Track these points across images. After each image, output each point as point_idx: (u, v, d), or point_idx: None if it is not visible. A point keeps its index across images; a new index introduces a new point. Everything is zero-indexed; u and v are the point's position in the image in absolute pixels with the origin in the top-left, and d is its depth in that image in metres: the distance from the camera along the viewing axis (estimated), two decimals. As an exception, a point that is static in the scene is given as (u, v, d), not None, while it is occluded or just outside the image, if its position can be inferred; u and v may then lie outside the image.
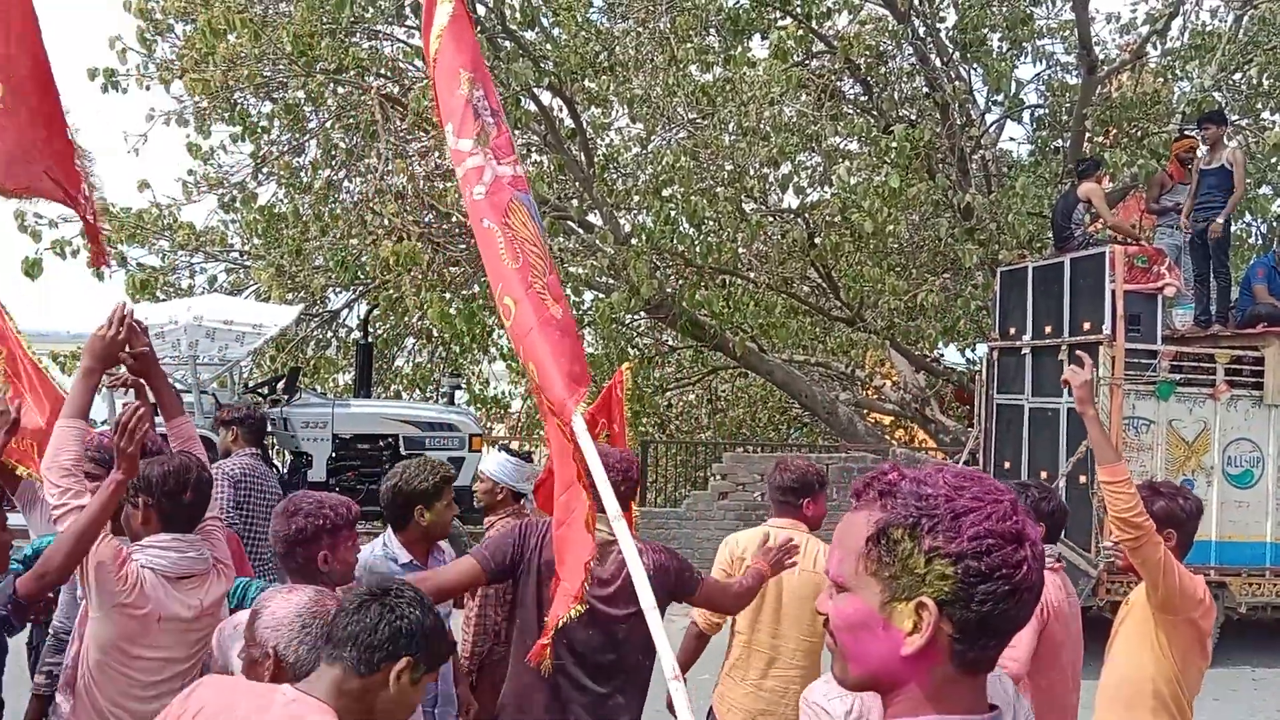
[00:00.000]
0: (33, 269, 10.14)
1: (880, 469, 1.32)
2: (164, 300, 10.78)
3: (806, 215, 12.47)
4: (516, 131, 11.14)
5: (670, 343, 15.14)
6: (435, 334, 12.04)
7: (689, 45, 10.81)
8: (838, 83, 12.11)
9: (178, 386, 9.76)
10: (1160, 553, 3.17)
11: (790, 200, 12.62)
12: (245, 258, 11.78)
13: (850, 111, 12.47)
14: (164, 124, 10.75)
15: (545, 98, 11.06)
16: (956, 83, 11.81)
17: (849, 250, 13.02)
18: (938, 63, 11.87)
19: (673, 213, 10.24)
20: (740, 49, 11.14)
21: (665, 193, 10.50)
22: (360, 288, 11.41)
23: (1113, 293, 8.27)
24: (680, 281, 12.11)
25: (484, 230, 3.24)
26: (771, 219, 12.49)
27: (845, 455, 11.42)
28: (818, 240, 12.73)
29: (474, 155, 3.30)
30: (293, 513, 2.87)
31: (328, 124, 10.98)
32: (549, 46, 10.90)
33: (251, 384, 10.89)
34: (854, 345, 15.57)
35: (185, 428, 3.32)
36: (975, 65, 12.02)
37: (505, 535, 3.25)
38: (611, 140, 13.00)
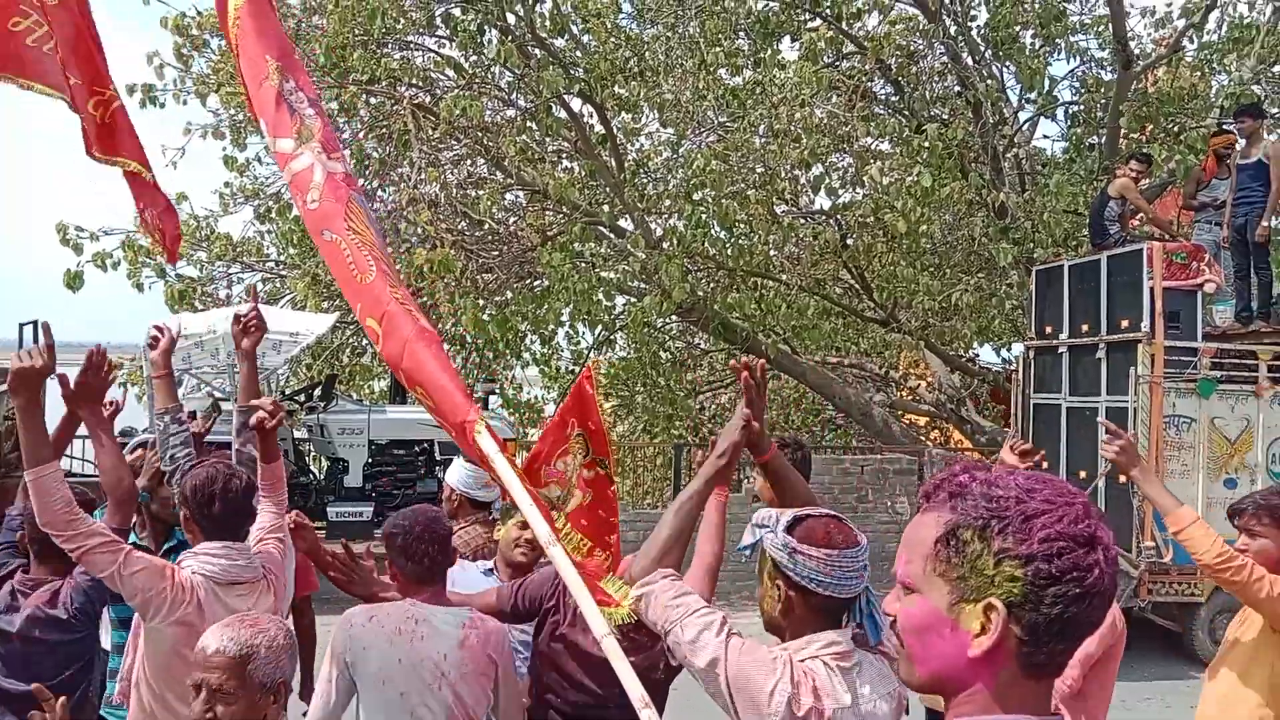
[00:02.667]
0: (74, 281, 10.33)
1: (951, 470, 1.31)
2: (202, 310, 10.93)
3: (839, 216, 12.42)
4: (548, 139, 11.21)
5: (703, 346, 15.13)
6: (469, 340, 12.11)
7: (718, 49, 10.80)
8: (869, 83, 12.05)
9: (216, 395, 9.93)
10: (1264, 588, 2.97)
11: (822, 202, 12.58)
12: (281, 267, 11.92)
13: (882, 112, 12.41)
14: (201, 137, 10.91)
15: (576, 104, 11.11)
16: (989, 81, 11.71)
17: (882, 251, 12.95)
18: (969, 61, 11.78)
19: (704, 216, 10.23)
20: (770, 51, 11.12)
21: (696, 196, 10.50)
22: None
23: (1151, 290, 8.17)
24: (712, 285, 12.10)
25: (327, 244, 2.87)
26: (803, 221, 12.45)
27: (880, 457, 11.35)
28: (850, 241, 12.68)
29: (299, 155, 2.94)
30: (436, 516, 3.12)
31: (361, 134, 11.09)
32: (579, 54, 10.94)
33: (288, 391, 11.01)
34: (888, 346, 15.49)
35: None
36: (1008, 63, 11.91)
37: (544, 581, 3.26)
38: (642, 145, 13.02)
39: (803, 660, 2.07)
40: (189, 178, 13.34)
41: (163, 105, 10.56)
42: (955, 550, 1.24)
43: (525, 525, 3.76)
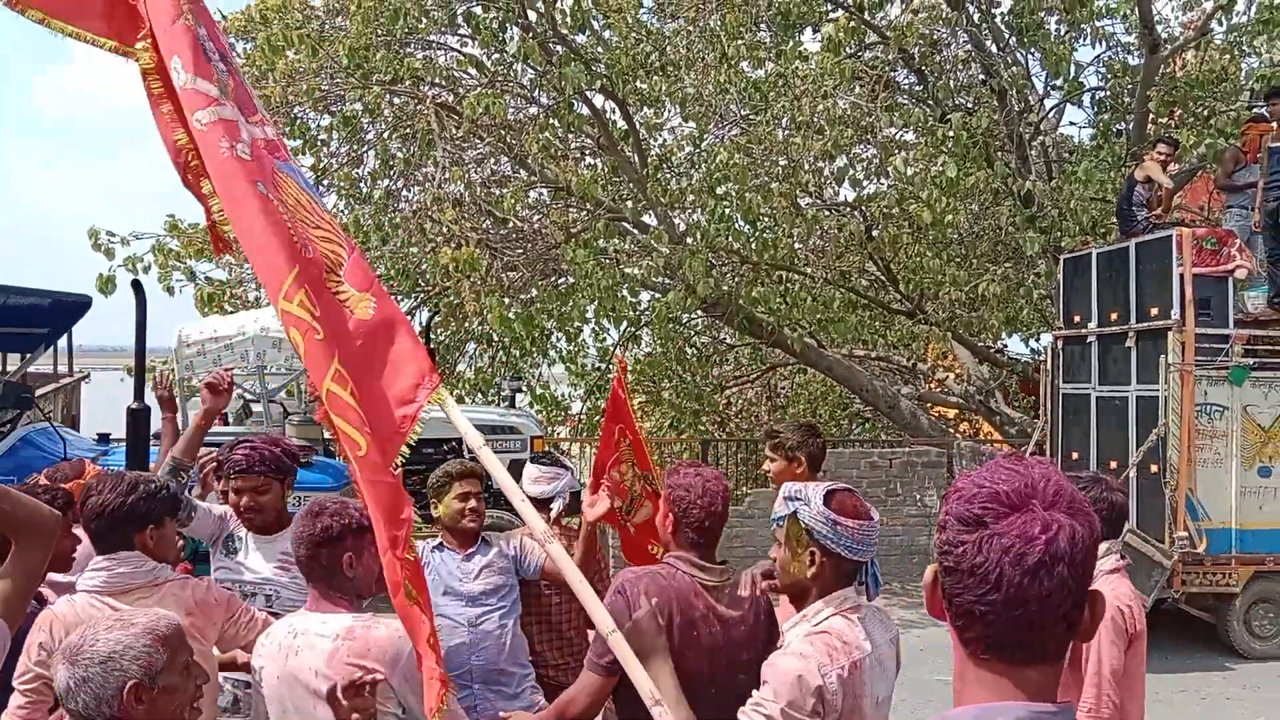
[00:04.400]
0: (106, 285, 10.46)
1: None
2: (231, 313, 11.04)
3: (863, 208, 12.36)
4: (571, 136, 11.22)
5: (728, 340, 15.11)
6: (495, 338, 12.16)
7: (740, 42, 10.77)
8: (892, 73, 11.98)
9: (246, 396, 10.03)
10: None
11: (846, 193, 12.53)
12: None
13: (905, 102, 12.33)
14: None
15: (598, 101, 11.12)
16: (1013, 68, 11.62)
17: (907, 242, 12.88)
18: (993, 49, 11.69)
19: (727, 210, 10.21)
20: (791, 43, 11.07)
21: (720, 190, 10.48)
22: (421, 295, 11.57)
23: (1181, 276, 8.08)
24: (737, 279, 12.07)
25: (262, 197, 2.51)
26: (827, 213, 12.40)
27: (909, 450, 11.30)
28: (875, 233, 12.62)
29: (224, 104, 2.62)
30: (317, 513, 2.78)
31: (385, 134, 11.16)
32: (600, 49, 10.95)
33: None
34: (915, 338, 15.39)
35: None
36: (1032, 49, 11.79)
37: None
38: (665, 140, 13.02)
39: (820, 623, 2.39)
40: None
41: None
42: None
43: (466, 496, 3.86)
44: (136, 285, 6.69)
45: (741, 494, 12.01)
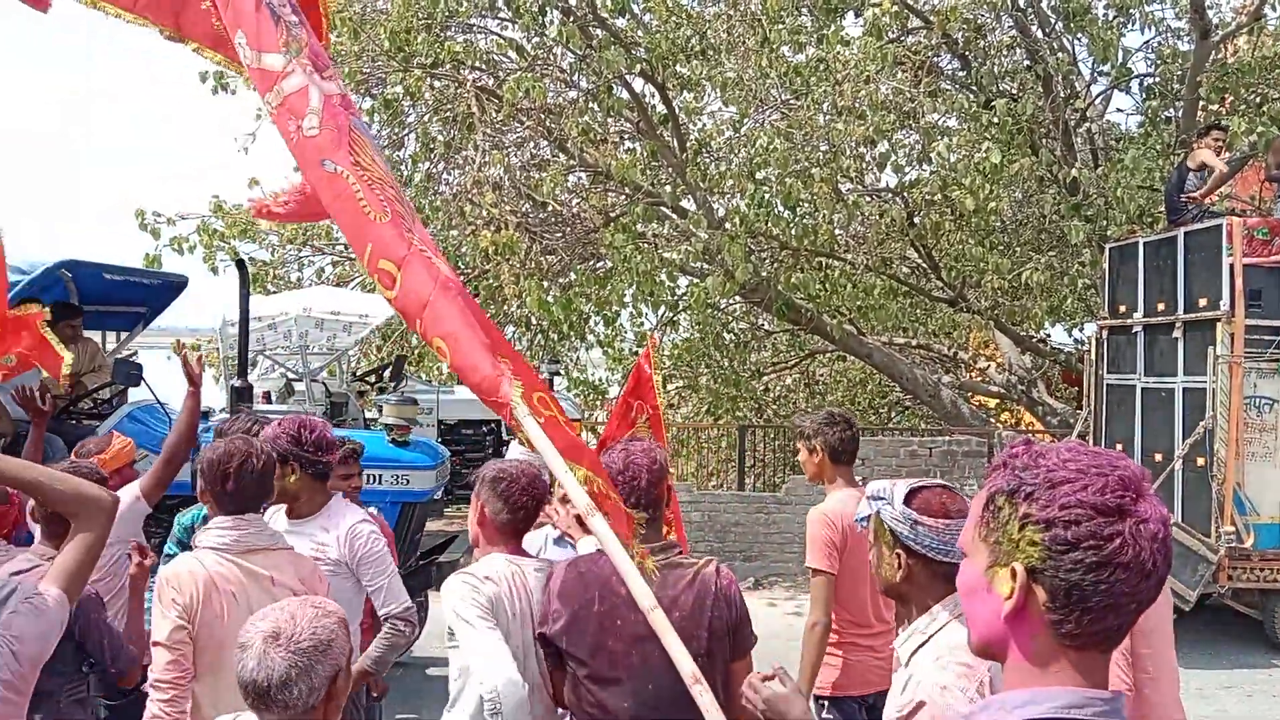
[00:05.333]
0: (152, 265, 10.62)
1: (1013, 442, 1.35)
2: (274, 293, 11.17)
3: (905, 194, 12.23)
4: (610, 120, 11.20)
5: (766, 327, 15.05)
6: (534, 322, 12.19)
7: (781, 26, 10.67)
8: (935, 58, 11.82)
9: (289, 375, 10.15)
10: None
11: (888, 179, 12.39)
12: (350, 250, 12.11)
13: (949, 87, 12.17)
14: (271, 123, 11.11)
15: (637, 85, 11.08)
16: (1059, 54, 11.41)
17: (950, 229, 12.73)
18: (1039, 34, 11.49)
19: (767, 195, 10.15)
20: (833, 27, 10.96)
21: (759, 175, 10.41)
22: (460, 277, 11.62)
23: (1230, 267, 7.92)
24: (776, 265, 12.01)
25: (330, 177, 2.47)
26: (869, 199, 12.28)
27: (949, 439, 11.21)
28: (917, 219, 12.48)
29: (289, 74, 2.52)
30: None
31: (425, 118, 11.20)
32: (640, 33, 10.91)
33: (359, 372, 11.21)
34: (956, 326, 15.25)
35: None
36: (1079, 35, 11.57)
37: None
38: (704, 124, 12.95)
39: (937, 633, 2.19)
40: (261, 163, 13.61)
41: (234, 91, 10.77)
42: (992, 515, 1.28)
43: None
44: (240, 264, 6.80)
45: (779, 480, 11.98)
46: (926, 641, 2.20)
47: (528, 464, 2.99)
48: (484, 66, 11.06)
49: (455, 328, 2.35)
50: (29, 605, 2.33)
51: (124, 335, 7.89)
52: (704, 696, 2.31)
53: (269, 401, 9.84)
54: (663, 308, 12.41)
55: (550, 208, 11.19)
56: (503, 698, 2.52)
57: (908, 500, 2.30)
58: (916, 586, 2.29)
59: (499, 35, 11.37)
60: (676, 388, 14.82)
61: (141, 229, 10.72)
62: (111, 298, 7.20)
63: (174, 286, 7.31)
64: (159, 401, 6.34)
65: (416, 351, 12.94)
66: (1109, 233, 10.49)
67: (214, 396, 9.64)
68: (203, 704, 2.96)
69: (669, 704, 2.55)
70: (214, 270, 11.03)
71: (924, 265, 13.57)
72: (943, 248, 13.15)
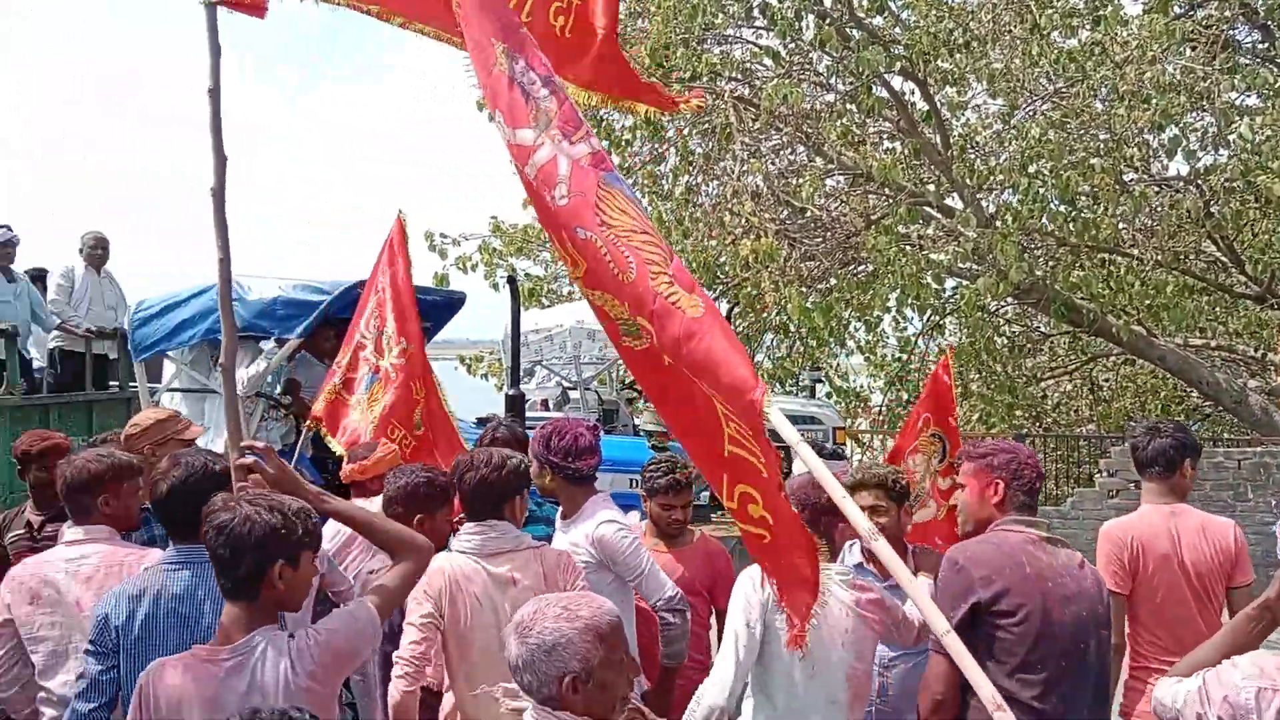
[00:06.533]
0: (441, 283, 11.50)
1: None
2: (548, 306, 11.79)
3: (1200, 182, 11.19)
4: (869, 121, 10.99)
5: (1042, 329, 14.23)
6: (792, 329, 12.15)
7: (1052, 10, 10.10)
8: (1231, 32, 10.77)
9: (565, 385, 10.67)
10: None
11: (1179, 166, 11.40)
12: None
13: (1248, 62, 11.03)
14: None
15: (896, 83, 10.82)
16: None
17: (1254, 218, 11.53)
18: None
19: (1041, 190, 9.62)
20: (1111, 7, 10.23)
21: (1032, 169, 9.88)
22: (720, 287, 11.79)
23: None
24: (1052, 263, 11.34)
25: (583, 242, 2.64)
26: (1157, 189, 11.35)
27: (1262, 449, 10.11)
28: (1215, 209, 11.39)
29: (540, 146, 2.69)
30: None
31: (684, 131, 11.44)
32: (898, 30, 10.66)
33: (628, 380, 11.61)
34: (1264, 325, 13.76)
35: None
36: None
37: None
38: (968, 119, 12.45)
39: None
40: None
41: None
42: None
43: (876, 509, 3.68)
44: (511, 281, 7.25)
45: (1062, 493, 11.28)
46: None
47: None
48: (740, 76, 11.18)
49: (714, 366, 2.46)
50: (347, 609, 2.60)
51: None
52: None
53: (546, 409, 10.39)
54: (929, 311, 12.03)
55: (809, 213, 11.13)
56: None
57: None
58: None
59: (754, 44, 11.46)
60: (945, 394, 14.28)
61: (430, 250, 11.64)
62: None
63: (454, 303, 7.81)
64: (448, 410, 6.80)
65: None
66: None
67: (495, 404, 10.32)
68: (465, 705, 3.13)
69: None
70: (494, 287, 11.80)
71: (1224, 259, 12.37)
72: (1245, 239, 11.93)
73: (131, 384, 7.63)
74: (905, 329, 13.34)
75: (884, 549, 2.52)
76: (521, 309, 6.61)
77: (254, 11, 3.18)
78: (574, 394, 10.20)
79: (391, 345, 5.06)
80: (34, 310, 8.03)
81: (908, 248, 10.13)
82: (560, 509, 3.84)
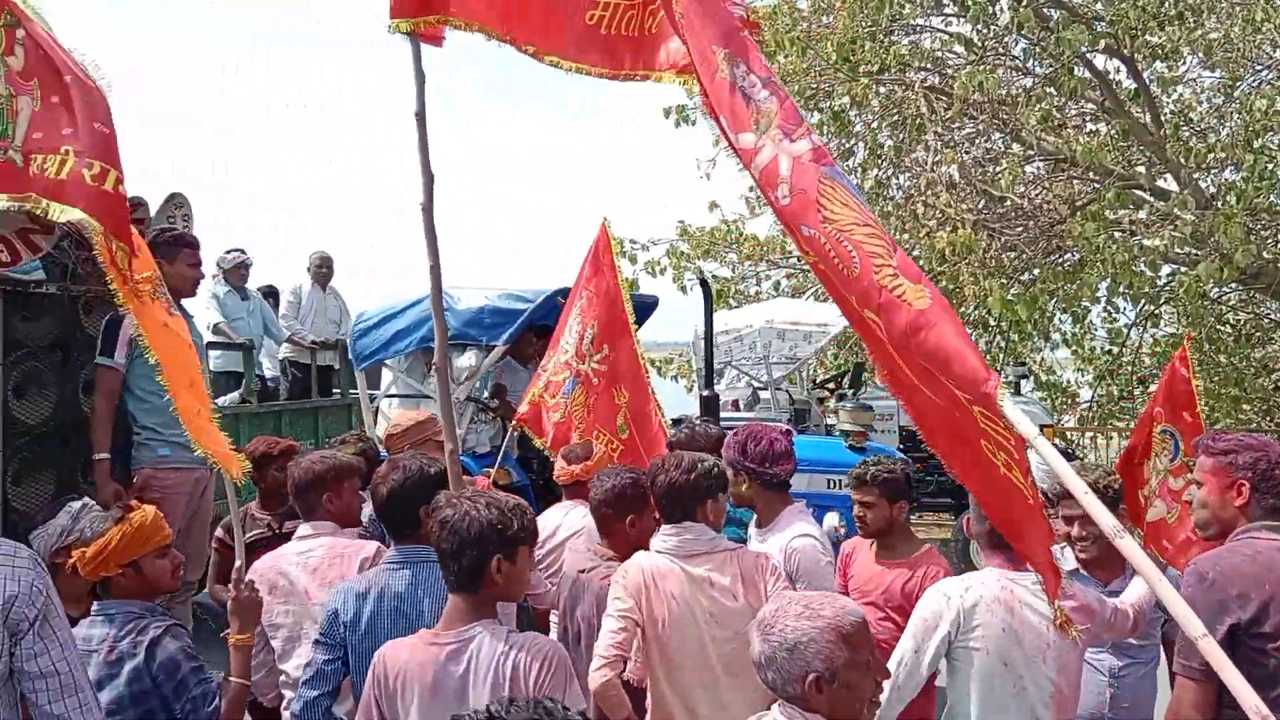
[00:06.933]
0: (631, 287, 11.72)
1: None
2: (736, 307, 11.82)
3: None
4: (1070, 103, 10.47)
5: (1272, 316, 13.13)
6: (994, 323, 11.71)
7: (1277, -31, 9.33)
8: None
9: (755, 385, 10.66)
10: None
11: None
12: (803, 262, 12.48)
13: None
14: (728, 150, 11.80)
15: (1099, 62, 10.25)
16: None
17: None
18: None
19: (1269, 166, 8.89)
20: (1350, -40, 9.35)
21: (1257, 144, 9.14)
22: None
23: None
24: (1282, 244, 10.46)
25: (807, 239, 2.66)
26: None
27: None
28: None
29: (761, 149, 2.74)
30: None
31: (873, 124, 11.23)
32: (1101, 6, 10.09)
33: (819, 380, 11.50)
34: None
35: None
36: None
37: None
38: (1182, 95, 11.64)
39: None
40: (720, 187, 14.52)
41: (694, 123, 11.58)
42: None
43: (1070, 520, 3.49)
44: (704, 283, 7.38)
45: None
46: None
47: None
48: (930, 66, 10.87)
49: (944, 353, 2.42)
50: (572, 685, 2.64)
51: None
52: None
53: (737, 409, 10.42)
54: (1142, 301, 11.33)
55: (1009, 202, 10.69)
56: None
57: None
58: None
59: (944, 32, 11.11)
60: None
61: (619, 255, 11.87)
62: None
63: (647, 306, 7.93)
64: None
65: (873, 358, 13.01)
66: None
67: (688, 404, 10.44)
68: (669, 702, 3.17)
69: None
70: (683, 290, 11.94)
71: None
72: None
73: (353, 391, 8.15)
74: (1116, 320, 12.61)
75: (1129, 546, 2.29)
76: (713, 311, 6.67)
77: (433, 41, 3.45)
78: (764, 394, 10.18)
79: (592, 351, 5.22)
80: (266, 325, 8.74)
81: (1118, 234, 9.57)
82: (755, 516, 3.82)
